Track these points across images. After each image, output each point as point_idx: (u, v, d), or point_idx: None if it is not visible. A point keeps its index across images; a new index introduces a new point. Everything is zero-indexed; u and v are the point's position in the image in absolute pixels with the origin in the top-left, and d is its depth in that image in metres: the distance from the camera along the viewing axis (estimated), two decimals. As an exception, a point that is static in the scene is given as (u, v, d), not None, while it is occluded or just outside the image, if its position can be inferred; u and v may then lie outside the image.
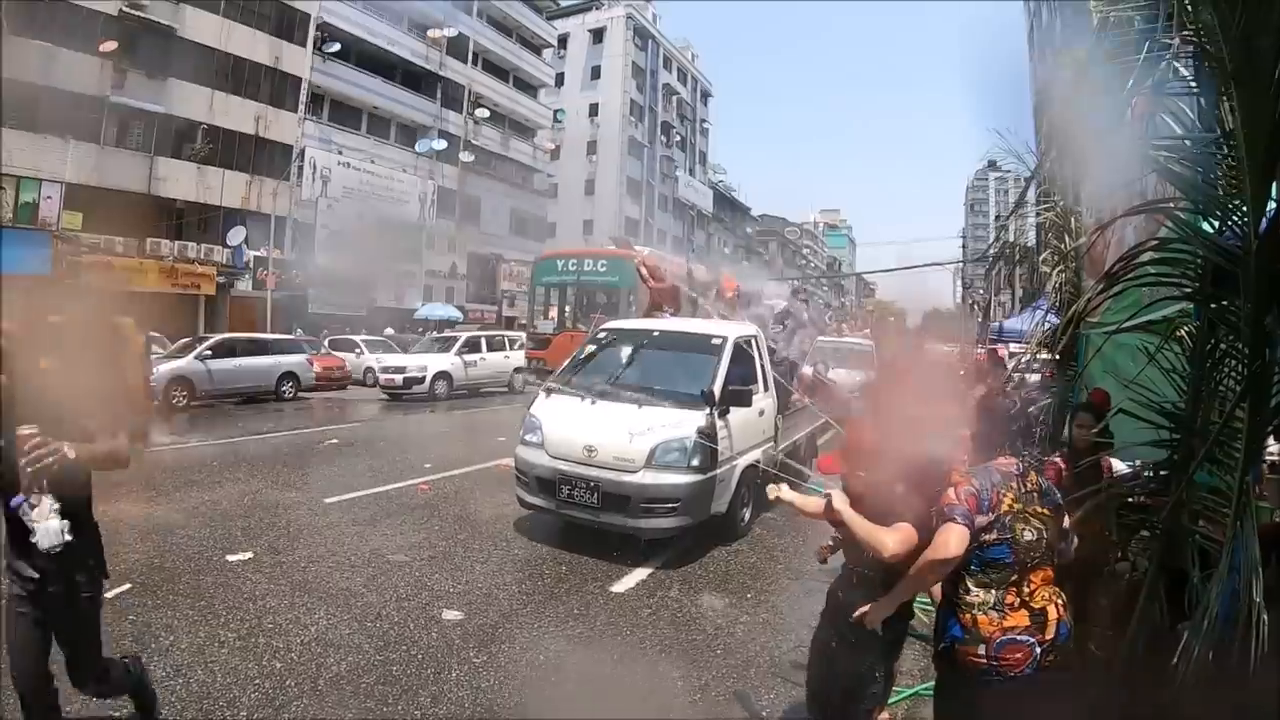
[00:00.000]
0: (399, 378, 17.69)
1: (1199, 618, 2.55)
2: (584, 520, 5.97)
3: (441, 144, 33.48)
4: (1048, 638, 2.29)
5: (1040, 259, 6.20)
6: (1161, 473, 3.41)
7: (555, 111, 44.77)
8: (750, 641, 4.52)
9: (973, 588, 2.33)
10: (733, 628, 4.72)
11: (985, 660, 2.26)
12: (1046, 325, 5.92)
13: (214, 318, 24.29)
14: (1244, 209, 2.76)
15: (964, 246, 54.25)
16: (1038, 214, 6.64)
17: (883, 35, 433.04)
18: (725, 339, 6.78)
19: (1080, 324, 3.93)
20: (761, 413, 6.96)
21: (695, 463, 5.83)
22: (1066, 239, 5.76)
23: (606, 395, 6.40)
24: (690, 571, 5.75)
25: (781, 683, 3.97)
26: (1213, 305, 2.98)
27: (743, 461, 6.50)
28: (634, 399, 6.24)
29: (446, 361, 18.48)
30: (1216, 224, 2.94)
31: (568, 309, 16.77)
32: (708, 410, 5.98)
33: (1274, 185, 2.67)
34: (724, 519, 6.30)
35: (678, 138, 56.29)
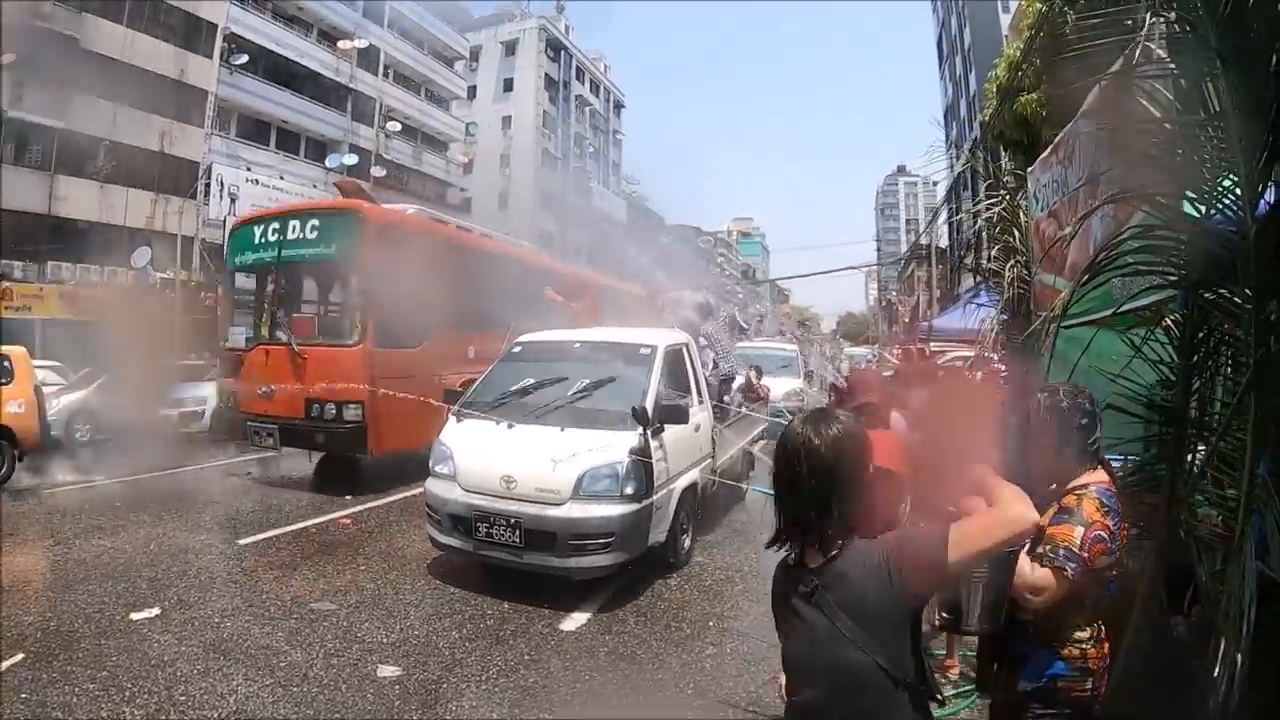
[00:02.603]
0: (175, 413, 13.37)
1: (1225, 612, 2.42)
2: (505, 562, 5.31)
3: (353, 159, 32.19)
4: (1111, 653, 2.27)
5: (991, 253, 6.14)
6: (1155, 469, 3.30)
7: (467, 125, 43.92)
8: (721, 676, 4.20)
9: (1084, 624, 2.20)
10: (700, 662, 4.39)
11: (1089, 692, 2.17)
12: (998, 323, 5.85)
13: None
14: (1236, 192, 2.66)
15: (879, 250, 56.03)
16: (986, 208, 6.66)
17: (793, 39, 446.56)
18: (655, 348, 6.23)
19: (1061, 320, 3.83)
20: (698, 428, 6.50)
21: (629, 490, 5.22)
22: (1015, 233, 5.72)
23: (525, 418, 5.71)
24: (642, 604, 5.33)
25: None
26: (1205, 294, 2.86)
27: (681, 483, 5.97)
28: (556, 421, 5.61)
29: None
30: (1204, 209, 2.83)
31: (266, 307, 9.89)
32: (640, 429, 5.36)
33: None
34: (663, 549, 5.76)
35: (591, 149, 56.17)
